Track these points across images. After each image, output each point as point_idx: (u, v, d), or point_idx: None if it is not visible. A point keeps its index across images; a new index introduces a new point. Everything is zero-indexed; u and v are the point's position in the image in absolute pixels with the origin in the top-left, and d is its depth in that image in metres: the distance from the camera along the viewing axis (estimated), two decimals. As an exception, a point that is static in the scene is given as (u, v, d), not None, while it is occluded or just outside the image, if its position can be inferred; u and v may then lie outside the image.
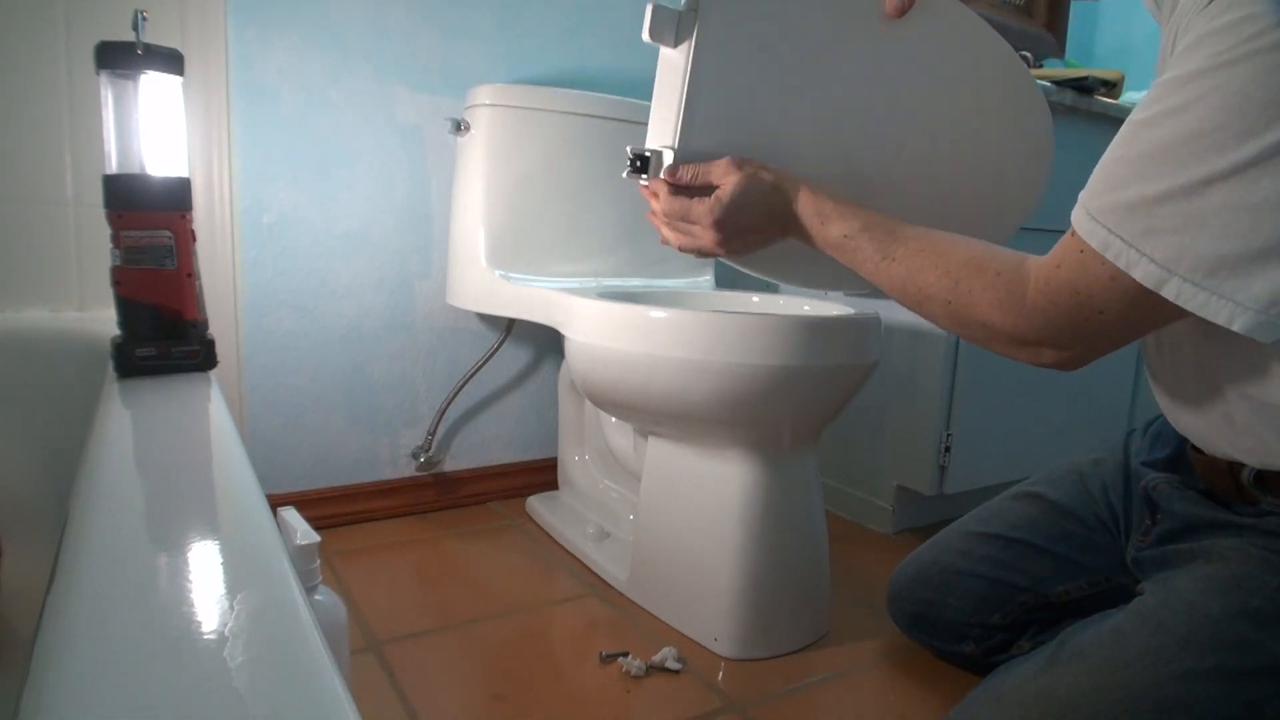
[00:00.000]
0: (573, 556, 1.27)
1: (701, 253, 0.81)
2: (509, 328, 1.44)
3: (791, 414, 0.96)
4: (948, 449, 1.33)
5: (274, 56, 1.21)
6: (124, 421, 0.61)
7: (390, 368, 1.38)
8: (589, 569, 1.22)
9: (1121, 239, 0.57)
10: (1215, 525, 0.72)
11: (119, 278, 0.72)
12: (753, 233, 0.79)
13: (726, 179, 0.76)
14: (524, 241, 1.31)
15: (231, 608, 0.32)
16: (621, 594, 1.14)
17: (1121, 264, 0.57)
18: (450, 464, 1.47)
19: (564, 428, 1.43)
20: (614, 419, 1.29)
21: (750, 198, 0.77)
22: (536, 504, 1.43)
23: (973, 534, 0.97)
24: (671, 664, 0.95)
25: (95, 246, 1.09)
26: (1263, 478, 0.68)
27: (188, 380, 0.73)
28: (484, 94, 1.30)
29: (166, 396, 0.68)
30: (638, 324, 0.96)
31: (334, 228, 1.30)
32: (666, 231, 0.82)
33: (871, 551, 1.34)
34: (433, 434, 1.41)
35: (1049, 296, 0.63)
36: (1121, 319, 0.61)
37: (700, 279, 1.49)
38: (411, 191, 1.36)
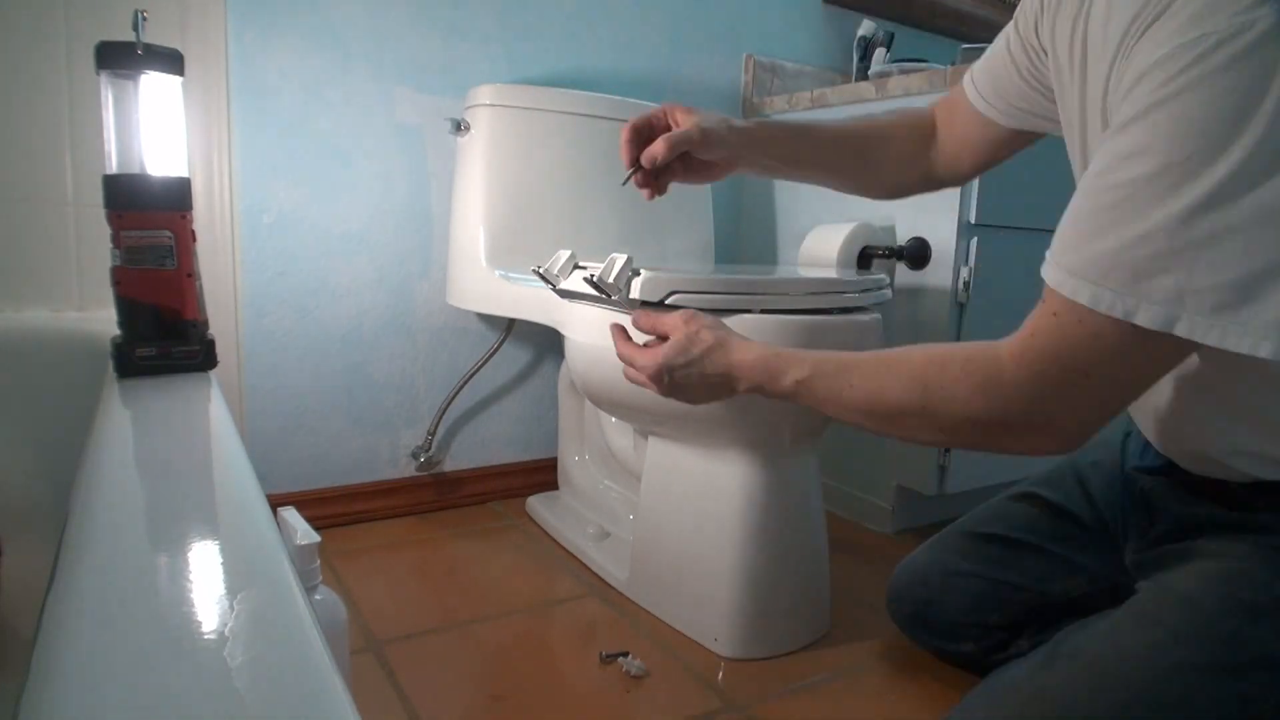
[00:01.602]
0: (573, 556, 1.27)
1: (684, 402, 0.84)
2: (509, 328, 1.44)
3: (792, 414, 0.96)
4: (948, 449, 1.33)
5: (274, 56, 1.21)
6: (124, 421, 0.61)
7: (390, 368, 1.38)
8: (589, 569, 1.22)
9: (1111, 290, 0.53)
10: (1210, 524, 0.72)
11: (119, 278, 0.72)
12: (695, 389, 0.80)
13: (674, 332, 0.80)
14: (524, 241, 1.31)
15: (231, 608, 0.32)
16: (621, 594, 1.14)
17: (1118, 313, 0.53)
18: (450, 464, 1.47)
19: (564, 428, 1.43)
20: (614, 419, 1.29)
21: (689, 354, 0.78)
22: (536, 504, 1.43)
23: (971, 534, 0.97)
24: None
25: (95, 246, 1.09)
26: (1258, 486, 0.69)
27: (188, 380, 0.73)
28: (484, 94, 1.30)
29: (166, 396, 0.68)
30: (638, 324, 0.96)
31: (334, 228, 1.30)
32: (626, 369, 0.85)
33: (871, 551, 1.34)
34: (433, 434, 1.41)
35: (1029, 368, 0.58)
36: (1111, 376, 0.57)
37: (700, 279, 1.48)
38: (411, 191, 1.36)
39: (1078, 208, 0.57)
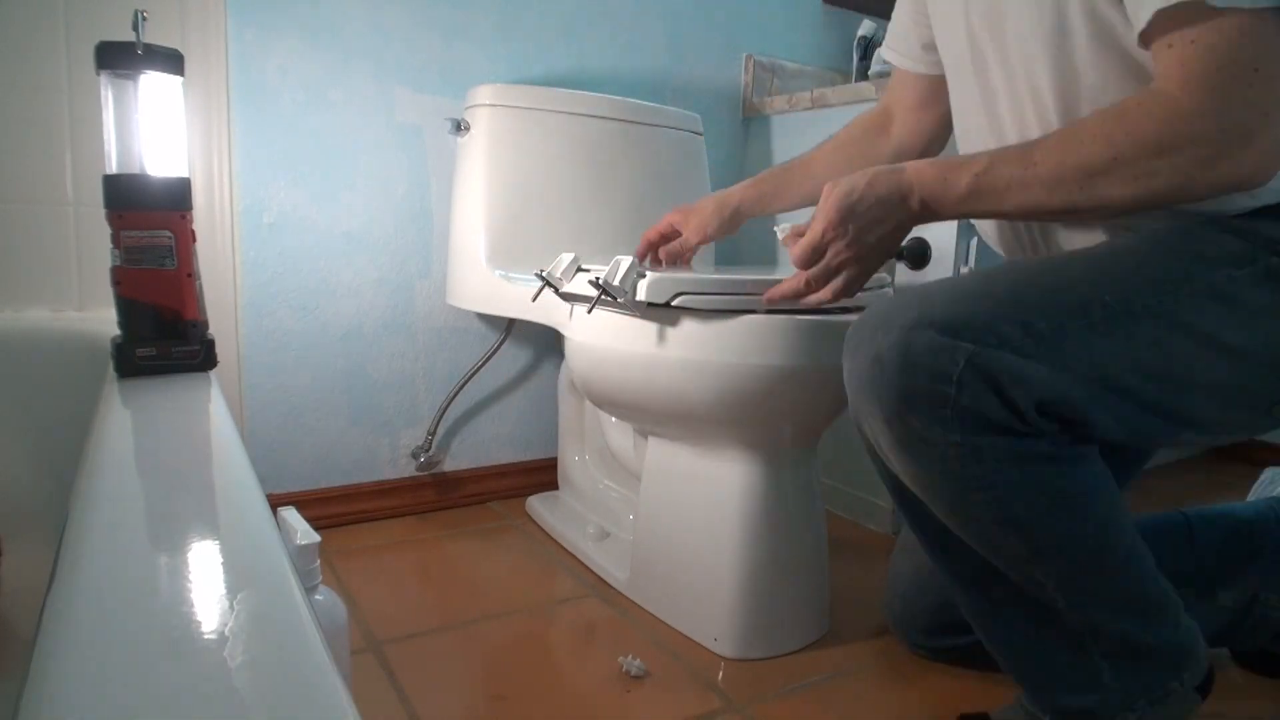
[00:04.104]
0: (573, 556, 1.27)
1: (853, 280, 0.75)
2: (509, 328, 1.44)
3: (792, 414, 0.96)
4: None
5: (274, 56, 1.21)
6: (124, 421, 0.61)
7: (390, 368, 1.38)
8: (589, 569, 1.22)
9: None
10: None
11: (119, 278, 0.72)
12: (878, 223, 0.73)
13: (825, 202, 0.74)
14: (524, 241, 1.31)
15: (231, 608, 0.32)
16: (621, 594, 1.14)
17: (1246, 3, 0.55)
18: (450, 464, 1.47)
19: (564, 428, 1.43)
20: (614, 419, 1.29)
21: (854, 184, 0.72)
22: (536, 504, 1.43)
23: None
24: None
25: (95, 246, 1.09)
26: None
27: (188, 380, 0.73)
28: (484, 94, 1.30)
29: (166, 396, 0.68)
30: (637, 324, 0.96)
31: (334, 227, 1.30)
32: (814, 293, 0.77)
33: (871, 551, 1.34)
34: (433, 434, 1.41)
35: (1201, 86, 0.58)
36: (1276, 60, 0.57)
37: (700, 279, 1.48)
38: (411, 191, 1.36)
39: None
